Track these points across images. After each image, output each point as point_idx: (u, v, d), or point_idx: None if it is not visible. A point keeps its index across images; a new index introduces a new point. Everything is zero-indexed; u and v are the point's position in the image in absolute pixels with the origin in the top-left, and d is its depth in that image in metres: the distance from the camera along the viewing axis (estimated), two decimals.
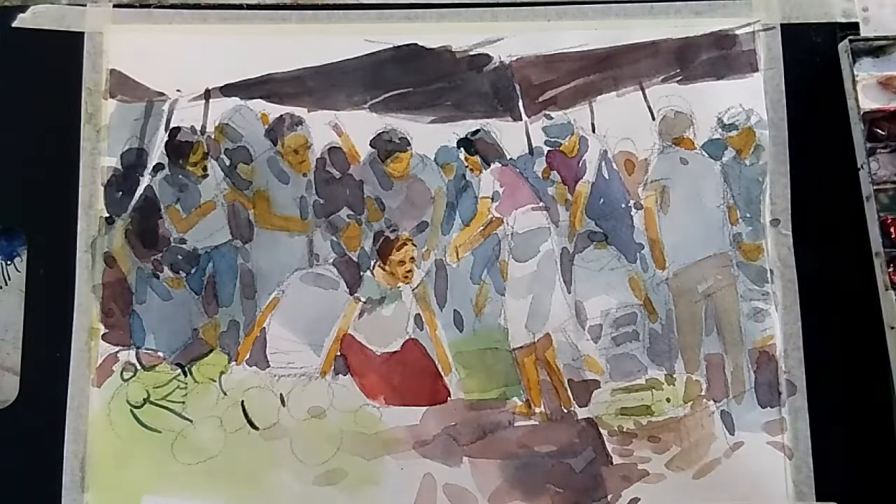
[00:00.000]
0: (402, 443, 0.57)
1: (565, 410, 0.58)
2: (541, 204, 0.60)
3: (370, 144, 0.60)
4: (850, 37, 0.59)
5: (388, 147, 0.60)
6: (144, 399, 0.57)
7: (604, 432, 0.58)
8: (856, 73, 0.58)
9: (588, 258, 0.60)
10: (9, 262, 0.60)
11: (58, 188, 0.59)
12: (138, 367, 0.58)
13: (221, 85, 0.60)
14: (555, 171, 0.60)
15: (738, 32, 0.61)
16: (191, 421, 0.57)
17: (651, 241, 0.60)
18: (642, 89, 0.61)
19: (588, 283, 0.59)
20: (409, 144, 0.60)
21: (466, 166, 0.60)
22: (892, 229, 0.57)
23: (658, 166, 0.60)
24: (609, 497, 0.57)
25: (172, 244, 0.59)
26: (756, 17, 0.61)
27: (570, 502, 0.57)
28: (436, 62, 0.61)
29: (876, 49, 0.60)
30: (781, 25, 0.61)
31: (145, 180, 0.59)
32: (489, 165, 0.60)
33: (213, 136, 0.60)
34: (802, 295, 0.59)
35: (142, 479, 0.56)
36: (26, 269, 0.59)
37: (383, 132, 0.60)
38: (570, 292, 0.59)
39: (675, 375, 0.58)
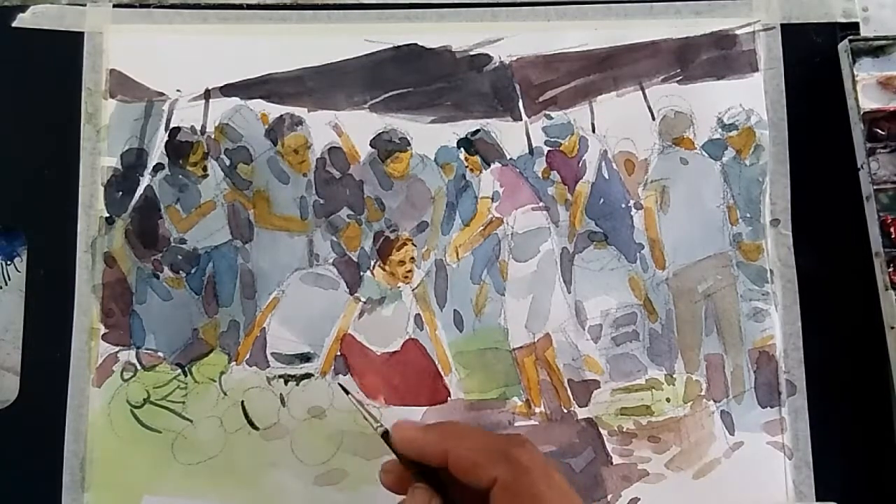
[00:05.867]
0: None
1: (565, 410, 0.58)
2: (541, 204, 0.60)
3: (370, 144, 0.60)
4: (850, 37, 0.59)
5: (388, 147, 0.60)
6: (144, 399, 0.57)
7: (604, 432, 0.58)
8: (856, 73, 0.58)
9: (588, 258, 0.60)
10: (9, 262, 0.60)
11: (58, 188, 0.59)
12: (138, 367, 0.58)
13: (221, 85, 0.60)
14: (555, 171, 0.60)
15: (738, 32, 0.61)
16: (191, 421, 0.57)
17: (651, 241, 0.60)
18: (642, 89, 0.61)
19: (588, 283, 0.59)
20: (409, 144, 0.60)
21: (466, 166, 0.60)
22: (892, 229, 0.57)
23: (658, 166, 0.60)
24: (609, 497, 0.57)
25: (172, 244, 0.59)
26: (756, 17, 0.61)
27: None
28: (436, 62, 0.61)
29: (876, 49, 0.60)
30: (781, 25, 0.61)
31: (145, 180, 0.59)
32: (489, 165, 0.60)
33: (213, 136, 0.60)
34: (802, 295, 0.59)
35: (142, 479, 0.56)
36: (26, 269, 0.59)
37: (383, 132, 0.60)
38: (570, 292, 0.59)
39: (675, 375, 0.58)
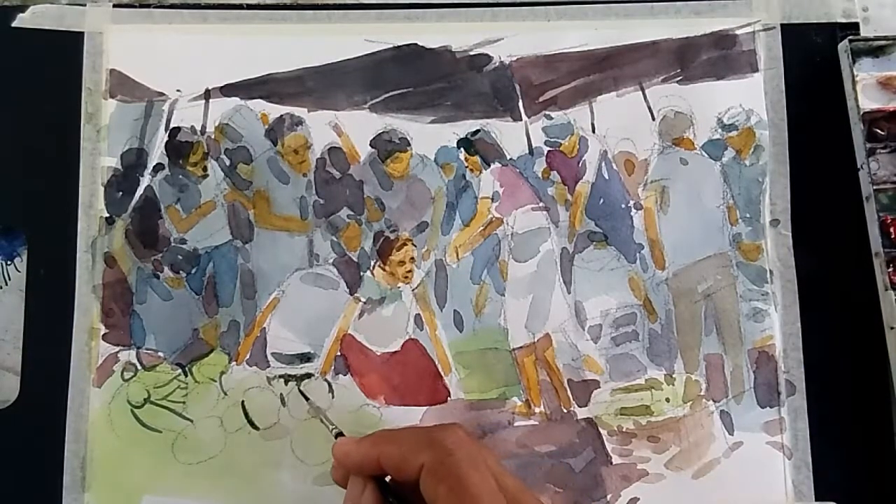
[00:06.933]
0: None
1: (565, 410, 0.58)
2: (541, 204, 0.60)
3: (370, 144, 0.60)
4: (850, 37, 0.59)
5: (388, 147, 0.60)
6: (145, 399, 0.57)
7: (603, 432, 0.58)
8: (856, 73, 0.59)
9: (588, 258, 0.60)
10: (9, 262, 0.60)
11: (58, 188, 0.59)
12: (139, 367, 0.58)
13: (221, 85, 0.60)
14: (555, 172, 0.60)
15: (738, 32, 0.61)
16: (191, 421, 0.57)
17: (651, 242, 0.60)
18: (642, 89, 0.61)
19: (588, 283, 0.59)
20: (409, 144, 0.60)
21: (466, 166, 0.60)
22: (891, 229, 0.57)
23: (658, 166, 0.60)
24: (608, 497, 0.57)
25: (172, 244, 0.59)
26: (756, 17, 0.61)
27: (569, 502, 0.57)
28: (436, 62, 0.61)
29: (876, 49, 0.60)
30: (781, 25, 0.61)
31: (145, 180, 0.59)
32: (489, 165, 0.60)
33: (213, 136, 0.60)
34: (802, 295, 0.59)
35: (142, 479, 0.56)
36: (26, 269, 0.59)
37: (383, 132, 0.60)
38: (569, 292, 0.59)
39: (674, 375, 0.58)
